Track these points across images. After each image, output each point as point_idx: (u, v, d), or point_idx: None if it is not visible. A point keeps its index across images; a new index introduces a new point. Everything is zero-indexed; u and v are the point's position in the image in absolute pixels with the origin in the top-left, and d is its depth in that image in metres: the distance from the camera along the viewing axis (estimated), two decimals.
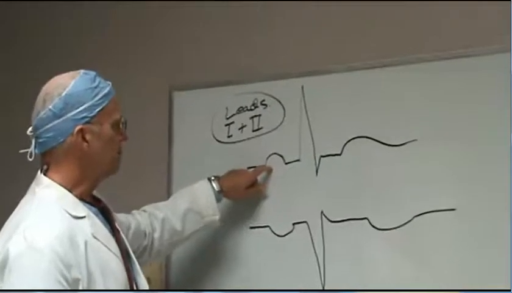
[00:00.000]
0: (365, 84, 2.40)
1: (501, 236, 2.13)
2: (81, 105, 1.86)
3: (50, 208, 1.84)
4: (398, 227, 2.29)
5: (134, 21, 2.91)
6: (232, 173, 2.45)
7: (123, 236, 2.02)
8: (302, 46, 2.57)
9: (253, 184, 2.47)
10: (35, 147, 1.89)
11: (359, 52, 2.46)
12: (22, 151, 1.91)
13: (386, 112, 2.35)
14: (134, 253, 2.07)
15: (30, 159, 1.89)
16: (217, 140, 2.63)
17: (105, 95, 1.90)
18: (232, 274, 2.54)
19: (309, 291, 2.37)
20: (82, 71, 1.93)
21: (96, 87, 1.89)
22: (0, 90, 3.16)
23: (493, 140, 2.20)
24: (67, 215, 1.83)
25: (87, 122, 1.88)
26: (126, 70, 2.85)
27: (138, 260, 2.15)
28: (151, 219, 2.28)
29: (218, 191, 2.40)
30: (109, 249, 1.88)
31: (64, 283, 1.73)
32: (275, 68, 2.57)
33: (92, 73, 1.92)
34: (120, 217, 2.13)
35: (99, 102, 1.88)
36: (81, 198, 1.91)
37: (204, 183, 2.40)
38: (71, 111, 1.86)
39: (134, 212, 2.30)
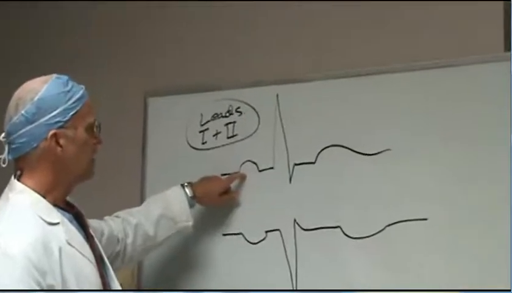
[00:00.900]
0: (340, 93, 2.41)
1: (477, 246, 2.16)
2: (54, 110, 1.85)
3: (23, 214, 1.82)
4: (371, 236, 2.30)
5: (110, 26, 2.90)
6: (205, 179, 2.45)
7: (97, 242, 2.01)
8: (277, 54, 2.58)
9: (227, 190, 2.47)
10: (8, 153, 1.87)
11: (335, 60, 2.47)
12: None
13: (360, 121, 2.36)
14: (107, 258, 2.06)
15: (4, 165, 1.87)
16: (191, 147, 2.62)
17: (79, 99, 1.89)
18: (204, 280, 2.53)
19: (309, 291, 2.36)
20: (55, 75, 1.91)
21: (68, 91, 1.88)
22: None
23: (467, 149, 2.21)
24: (41, 221, 1.82)
25: (61, 127, 1.86)
26: (101, 75, 2.84)
27: (111, 266, 2.14)
28: (124, 225, 2.27)
29: (191, 197, 2.39)
30: (83, 255, 1.87)
31: (39, 290, 1.71)
32: (250, 76, 2.57)
33: (65, 77, 1.91)
34: (93, 223, 2.12)
35: (73, 106, 1.87)
36: (55, 204, 1.89)
37: (177, 189, 2.39)
38: (43, 116, 1.84)
39: (107, 218, 2.29)
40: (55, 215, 1.86)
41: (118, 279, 2.05)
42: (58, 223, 1.84)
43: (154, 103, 2.72)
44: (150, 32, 2.81)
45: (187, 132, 2.63)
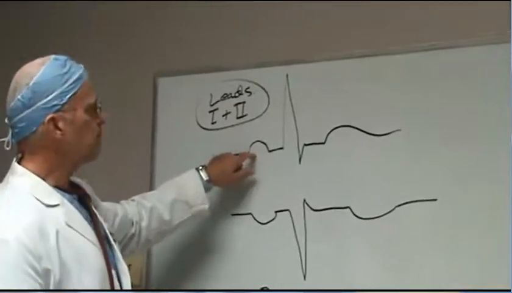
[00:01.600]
0: (350, 73, 2.40)
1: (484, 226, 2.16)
2: (50, 93, 1.82)
3: (21, 198, 1.81)
4: (380, 216, 2.30)
5: (118, 8, 2.89)
6: (217, 159, 2.45)
7: (102, 221, 2.00)
8: (287, 34, 2.57)
9: (240, 167, 2.47)
10: (12, 137, 1.87)
11: (345, 41, 2.46)
12: (0, 140, 1.89)
13: (370, 102, 2.36)
14: (121, 240, 2.05)
15: (7, 148, 1.87)
16: (201, 127, 2.63)
17: (76, 80, 1.85)
18: (213, 260, 2.54)
19: (312, 291, 2.37)
20: (53, 56, 1.87)
21: (66, 73, 1.83)
22: None
23: (475, 133, 2.21)
24: (40, 204, 1.80)
25: (58, 110, 1.83)
26: (111, 56, 2.84)
27: (126, 248, 2.13)
28: (139, 208, 2.27)
29: (207, 181, 2.39)
30: (84, 236, 1.85)
31: (34, 274, 1.69)
32: (260, 56, 2.56)
33: (63, 58, 1.87)
34: (107, 205, 2.12)
35: (70, 88, 1.83)
36: (56, 186, 1.88)
37: (192, 173, 2.39)
38: (40, 100, 1.82)
39: (122, 201, 2.28)
40: (55, 197, 1.84)
41: (127, 260, 2.05)
42: (57, 205, 1.82)
43: (164, 83, 2.72)
44: (160, 12, 2.80)
45: (197, 112, 2.63)
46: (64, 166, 1.89)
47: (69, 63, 1.87)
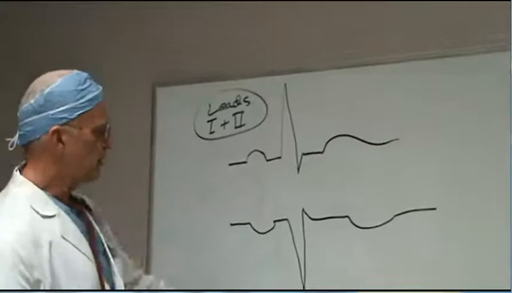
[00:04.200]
0: (348, 83, 2.41)
1: (483, 236, 2.16)
2: (62, 106, 1.82)
3: (18, 207, 1.80)
4: (380, 225, 2.30)
5: (118, 16, 2.89)
6: None
7: (101, 236, 1.99)
8: (285, 44, 2.57)
9: None
10: (18, 138, 1.88)
11: (343, 51, 2.46)
12: (7, 139, 1.89)
13: (368, 111, 2.37)
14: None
15: (11, 149, 1.87)
16: (199, 136, 2.63)
17: (90, 99, 1.85)
18: (212, 269, 2.53)
19: (313, 291, 2.37)
20: (75, 71, 1.87)
21: (82, 90, 1.84)
22: None
23: (474, 140, 2.22)
24: (36, 214, 1.80)
25: (66, 124, 1.83)
26: (109, 64, 2.84)
27: None
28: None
29: None
30: (78, 249, 1.85)
31: (25, 284, 1.69)
32: (258, 66, 2.57)
33: (84, 75, 1.87)
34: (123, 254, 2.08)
35: (82, 105, 1.83)
36: (55, 196, 1.88)
37: None
38: (50, 109, 1.82)
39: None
40: (52, 208, 1.84)
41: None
42: (53, 216, 1.83)
43: (162, 93, 2.73)
44: (159, 22, 2.80)
45: (195, 121, 2.64)
46: (62, 179, 1.88)
47: (88, 81, 1.87)
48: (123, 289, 1.96)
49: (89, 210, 1.99)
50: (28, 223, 1.77)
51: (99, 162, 1.91)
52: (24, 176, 1.86)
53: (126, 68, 2.84)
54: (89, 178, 1.92)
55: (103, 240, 1.98)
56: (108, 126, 1.90)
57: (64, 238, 1.81)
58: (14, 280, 1.69)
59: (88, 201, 2.02)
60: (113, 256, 1.99)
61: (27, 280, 1.70)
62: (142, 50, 2.83)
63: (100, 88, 1.89)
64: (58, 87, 1.83)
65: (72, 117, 1.83)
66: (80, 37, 2.95)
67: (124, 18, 2.88)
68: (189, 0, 2.71)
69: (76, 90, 1.84)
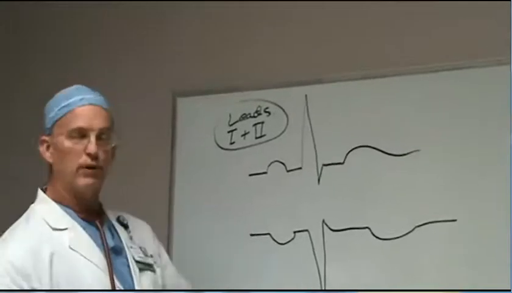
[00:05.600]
0: (368, 93, 2.41)
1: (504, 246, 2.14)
2: (46, 117, 1.91)
3: (31, 222, 1.87)
4: (400, 237, 2.29)
5: (138, 27, 2.90)
6: None
7: (126, 250, 1.97)
8: (306, 55, 2.57)
9: None
10: None
11: (363, 61, 2.46)
12: None
13: (389, 122, 2.36)
14: None
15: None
16: (219, 147, 2.63)
17: (64, 106, 1.88)
18: (232, 280, 2.53)
19: (310, 291, 2.36)
20: (75, 85, 1.93)
21: (62, 99, 1.90)
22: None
23: (495, 152, 2.21)
24: (47, 227, 1.85)
25: (48, 134, 1.90)
26: (130, 76, 2.85)
27: None
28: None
29: None
30: (87, 259, 1.86)
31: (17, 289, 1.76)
32: (279, 76, 2.57)
33: (77, 87, 1.93)
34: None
35: (57, 113, 1.89)
36: (72, 208, 1.90)
37: None
38: (44, 122, 1.92)
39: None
40: (65, 221, 1.88)
41: None
42: (65, 229, 1.86)
43: (183, 103, 2.73)
44: (180, 32, 2.81)
45: (215, 132, 2.64)
46: (67, 191, 1.90)
47: (75, 91, 1.91)
48: None
49: (125, 226, 2.01)
50: (34, 235, 1.84)
51: (82, 168, 1.87)
52: (46, 193, 1.93)
53: (147, 78, 2.85)
54: (76, 186, 1.89)
55: (128, 254, 1.96)
56: (95, 131, 1.87)
57: (72, 249, 1.85)
58: (5, 286, 1.75)
59: (126, 218, 2.03)
60: (141, 270, 1.98)
61: (19, 287, 1.76)
62: (163, 60, 2.83)
63: (82, 96, 1.89)
64: (51, 101, 1.92)
65: (48, 126, 1.90)
66: (102, 48, 2.96)
67: (145, 29, 2.89)
68: (222, 0, 2.72)
69: (60, 101, 1.90)
